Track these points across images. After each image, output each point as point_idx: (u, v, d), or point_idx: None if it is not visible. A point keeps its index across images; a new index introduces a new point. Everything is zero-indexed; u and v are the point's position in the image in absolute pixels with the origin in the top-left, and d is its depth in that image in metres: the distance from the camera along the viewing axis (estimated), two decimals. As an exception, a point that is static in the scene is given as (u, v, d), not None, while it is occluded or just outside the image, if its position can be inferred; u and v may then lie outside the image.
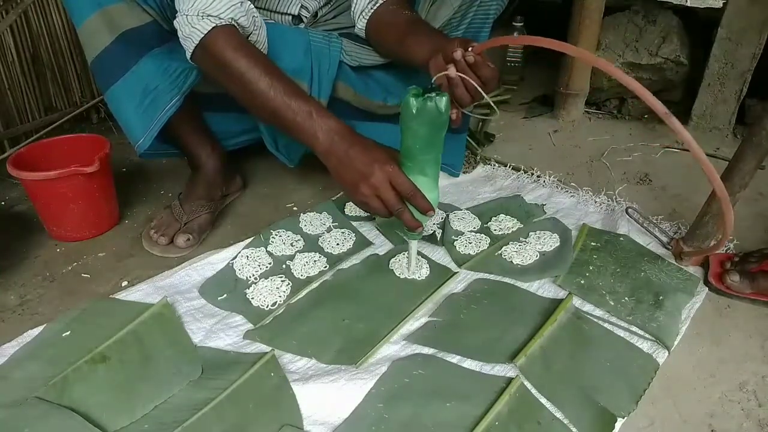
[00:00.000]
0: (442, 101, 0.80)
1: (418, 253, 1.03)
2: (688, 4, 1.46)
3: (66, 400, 0.73)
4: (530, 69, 1.86)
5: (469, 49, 0.86)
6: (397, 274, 0.97)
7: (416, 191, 0.84)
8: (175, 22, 0.94)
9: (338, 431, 0.70)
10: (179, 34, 0.93)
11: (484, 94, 0.86)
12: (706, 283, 0.97)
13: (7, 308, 0.92)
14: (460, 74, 0.85)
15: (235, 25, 0.93)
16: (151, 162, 1.38)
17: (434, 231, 1.09)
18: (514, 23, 1.79)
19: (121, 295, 0.92)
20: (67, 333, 0.83)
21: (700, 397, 0.78)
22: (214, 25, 0.90)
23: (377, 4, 1.07)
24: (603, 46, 1.56)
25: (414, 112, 0.80)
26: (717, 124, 1.50)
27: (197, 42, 0.91)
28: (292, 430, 0.70)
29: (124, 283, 0.97)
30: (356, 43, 1.15)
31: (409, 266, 0.97)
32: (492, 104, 0.88)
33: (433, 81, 0.83)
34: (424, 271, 0.98)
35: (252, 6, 0.97)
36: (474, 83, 0.85)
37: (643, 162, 1.39)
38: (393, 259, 1.00)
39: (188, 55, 0.95)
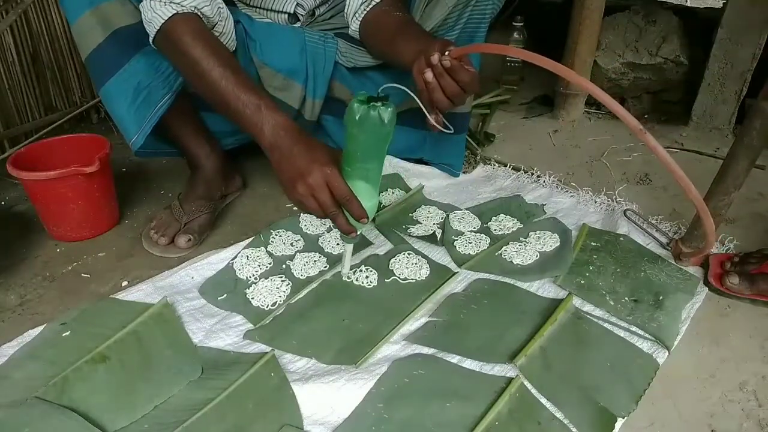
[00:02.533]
0: (386, 112, 0.78)
1: (418, 253, 1.03)
2: (688, 4, 1.46)
3: (66, 400, 0.73)
4: (530, 69, 1.85)
5: (446, 53, 0.85)
6: (397, 275, 0.97)
7: (352, 197, 0.82)
8: (140, 5, 0.94)
9: (338, 431, 0.70)
10: (143, 18, 0.94)
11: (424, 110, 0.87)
12: (706, 283, 0.97)
13: (7, 308, 0.92)
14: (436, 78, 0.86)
15: (198, 14, 0.94)
16: (150, 162, 1.38)
17: (434, 231, 1.09)
18: (514, 23, 1.79)
19: (121, 295, 0.92)
20: (67, 333, 0.83)
21: (700, 397, 0.78)
22: (175, 12, 0.91)
23: (370, 5, 1.07)
24: (603, 46, 1.56)
25: (356, 118, 0.78)
26: (717, 124, 1.50)
27: (158, 27, 0.92)
28: (292, 430, 0.70)
29: (124, 283, 0.97)
30: (351, 44, 1.15)
31: (343, 268, 0.95)
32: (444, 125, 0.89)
33: (379, 89, 0.80)
34: (423, 271, 0.98)
35: None
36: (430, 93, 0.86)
37: (643, 162, 1.39)
38: (393, 259, 1.00)
39: (150, 39, 0.96)
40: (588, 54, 1.52)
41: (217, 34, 1.00)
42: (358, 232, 0.87)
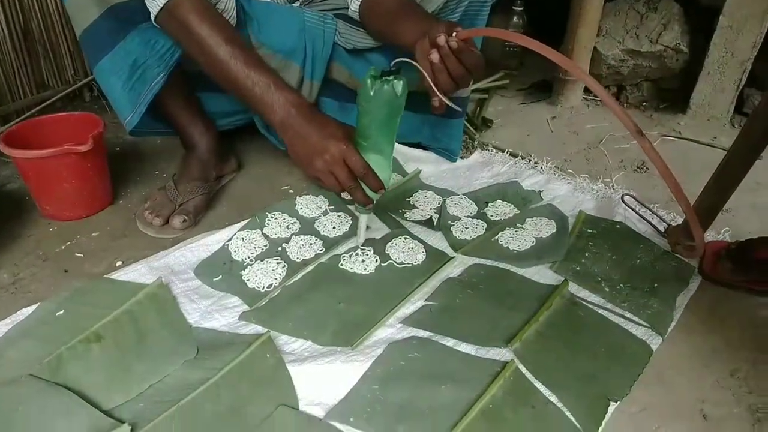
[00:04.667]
0: (399, 85, 0.81)
1: (414, 237, 1.02)
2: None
3: (61, 378, 0.72)
4: (530, 54, 1.84)
5: (453, 34, 0.85)
6: (393, 259, 0.97)
7: (368, 170, 0.85)
8: None
9: (333, 412, 0.70)
10: None
11: (438, 92, 0.86)
12: (700, 271, 0.97)
13: (-1, 287, 0.92)
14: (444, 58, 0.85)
15: None
16: (145, 141, 1.36)
17: (431, 216, 1.09)
18: (514, 7, 1.78)
19: (116, 275, 0.91)
20: (61, 312, 0.83)
21: (693, 384, 0.79)
22: None
23: None
24: (603, 32, 1.55)
25: (371, 93, 0.81)
26: (715, 113, 1.50)
27: (161, 5, 0.91)
28: (288, 410, 0.70)
29: (119, 263, 0.97)
30: (351, 25, 1.14)
31: (359, 239, 0.98)
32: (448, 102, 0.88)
33: (392, 64, 0.83)
34: (420, 256, 0.98)
35: None
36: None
37: (640, 150, 1.37)
38: (389, 244, 1.00)
39: (152, 17, 0.94)
40: (588, 40, 1.51)
41: (219, 10, 0.98)
42: (374, 203, 0.90)
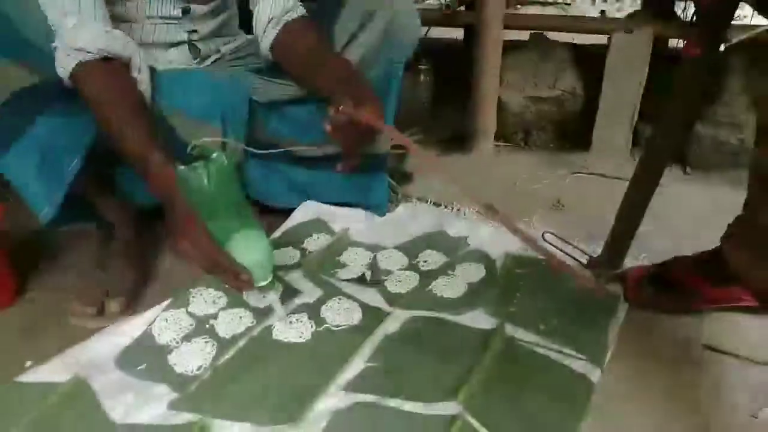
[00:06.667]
0: (204, 174, 0.76)
1: (349, 297, 1.00)
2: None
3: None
4: (441, 108, 1.92)
5: (340, 108, 0.89)
6: (329, 322, 0.94)
7: (220, 260, 0.81)
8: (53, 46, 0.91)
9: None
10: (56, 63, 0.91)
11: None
12: (626, 298, 1.01)
13: None
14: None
15: (106, 55, 0.90)
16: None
17: (363, 272, 1.08)
18: (420, 66, 1.85)
19: (25, 378, 0.83)
20: (-38, 429, 0.74)
21: (638, 409, 0.80)
22: (79, 60, 0.88)
23: (279, 24, 1.06)
24: (505, 83, 1.65)
25: (180, 177, 0.77)
26: (615, 149, 1.61)
27: (66, 77, 0.90)
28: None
29: (28, 364, 0.88)
30: (266, 77, 1.14)
31: (278, 312, 0.93)
32: None
33: (190, 147, 0.81)
34: (356, 316, 0.96)
35: (121, 33, 0.94)
36: None
37: (555, 188, 1.45)
38: (324, 306, 0.97)
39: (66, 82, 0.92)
40: (492, 91, 1.60)
41: (133, 78, 0.96)
42: (263, 283, 0.85)
